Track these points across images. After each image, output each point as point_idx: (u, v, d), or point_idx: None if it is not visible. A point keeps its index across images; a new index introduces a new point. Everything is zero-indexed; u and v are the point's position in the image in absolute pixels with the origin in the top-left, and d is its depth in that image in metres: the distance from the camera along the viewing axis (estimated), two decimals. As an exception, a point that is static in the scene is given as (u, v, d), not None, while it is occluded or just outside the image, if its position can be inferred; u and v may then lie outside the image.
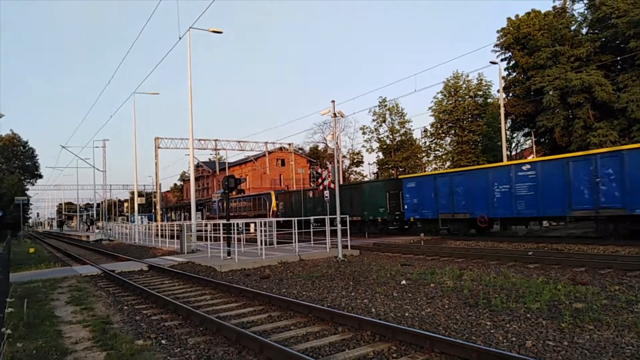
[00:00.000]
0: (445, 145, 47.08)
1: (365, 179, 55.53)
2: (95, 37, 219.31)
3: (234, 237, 16.58)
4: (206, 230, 23.26)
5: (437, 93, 45.86)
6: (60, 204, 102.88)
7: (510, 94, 37.21)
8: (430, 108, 46.28)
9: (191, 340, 6.26)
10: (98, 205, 65.29)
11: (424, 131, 48.36)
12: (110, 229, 42.99)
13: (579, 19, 34.34)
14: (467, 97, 44.28)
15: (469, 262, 13.51)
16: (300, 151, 64.75)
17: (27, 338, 6.53)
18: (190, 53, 21.19)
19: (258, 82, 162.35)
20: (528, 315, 6.72)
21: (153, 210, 64.16)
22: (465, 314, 7.05)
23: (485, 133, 42.78)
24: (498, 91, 33.36)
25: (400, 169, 50.41)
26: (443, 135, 46.70)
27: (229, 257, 15.48)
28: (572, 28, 34.06)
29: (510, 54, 37.08)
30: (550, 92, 30.93)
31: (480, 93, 44.29)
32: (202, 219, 41.40)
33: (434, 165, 47.92)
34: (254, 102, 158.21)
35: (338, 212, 16.40)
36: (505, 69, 37.27)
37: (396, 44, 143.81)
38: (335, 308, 7.68)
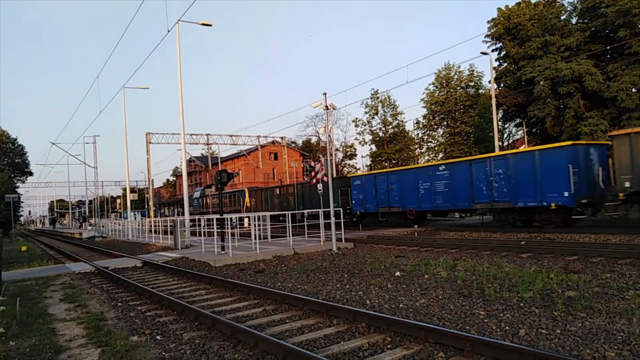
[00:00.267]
0: (438, 136, 47.22)
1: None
2: (83, 30, 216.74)
3: (227, 232, 16.53)
4: (200, 226, 23.20)
5: (429, 84, 45.93)
6: (52, 202, 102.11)
7: (502, 85, 37.31)
8: (422, 99, 46.36)
9: (186, 335, 6.25)
10: (90, 202, 64.89)
11: (416, 123, 48.48)
12: (103, 226, 42.76)
13: (568, 9, 34.44)
14: (458, 88, 44.36)
15: (462, 252, 13.60)
16: (293, 145, 64.66)
17: (20, 336, 6.49)
18: (179, 46, 21.04)
19: (249, 76, 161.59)
20: (521, 304, 6.78)
21: (146, 206, 63.85)
22: (459, 304, 7.10)
23: (477, 124, 42.93)
24: (489, 82, 33.50)
25: (394, 161, 50.52)
26: (435, 126, 46.79)
27: (223, 252, 15.47)
28: (562, 18, 34.15)
29: (501, 44, 37.12)
30: (541, 82, 31.05)
31: (472, 84, 44.38)
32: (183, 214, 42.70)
33: (426, 157, 48.08)
34: (246, 96, 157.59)
35: (332, 205, 16.41)
36: (496, 60, 37.37)
37: (387, 35, 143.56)
38: (330, 301, 7.70)
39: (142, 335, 6.31)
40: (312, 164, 18.97)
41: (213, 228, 18.02)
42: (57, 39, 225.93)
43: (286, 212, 18.26)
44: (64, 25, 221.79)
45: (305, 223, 18.56)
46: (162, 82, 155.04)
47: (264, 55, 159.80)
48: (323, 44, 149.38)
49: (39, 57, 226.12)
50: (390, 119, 52.03)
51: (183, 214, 23.47)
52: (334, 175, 25.16)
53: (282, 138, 51.15)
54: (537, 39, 32.40)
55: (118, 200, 76.98)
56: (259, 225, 17.90)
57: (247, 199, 38.32)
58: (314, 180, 17.99)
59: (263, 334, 5.66)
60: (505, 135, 46.60)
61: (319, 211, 17.48)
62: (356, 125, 54.18)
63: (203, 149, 66.96)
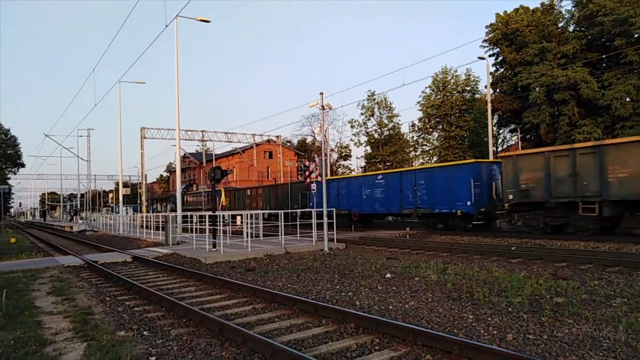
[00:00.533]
0: (433, 140, 47.40)
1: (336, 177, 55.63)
2: (80, 23, 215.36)
3: (220, 229, 16.48)
4: (192, 222, 23.11)
5: (426, 88, 46.18)
6: (44, 194, 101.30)
7: (498, 90, 37.54)
8: (418, 102, 46.55)
9: (174, 331, 6.21)
10: (82, 195, 64.44)
11: (412, 126, 48.62)
12: (94, 220, 42.49)
13: (566, 16, 34.74)
14: (455, 92, 44.57)
15: (453, 256, 13.64)
16: (288, 144, 64.57)
17: (5, 328, 6.42)
18: (177, 42, 20.94)
19: (246, 73, 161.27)
20: (510, 309, 6.80)
21: (138, 201, 63.52)
22: (448, 307, 7.12)
23: (472, 129, 43.14)
24: (485, 87, 33.66)
25: (388, 164, 50.62)
26: (431, 130, 46.98)
27: (214, 249, 15.41)
28: (560, 25, 34.43)
29: (498, 49, 37.36)
30: (537, 89, 31.27)
31: (468, 88, 44.62)
32: (167, 211, 46.03)
33: (421, 160, 48.23)
34: (242, 94, 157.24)
35: (325, 205, 16.40)
36: (493, 65, 37.61)
37: (385, 36, 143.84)
38: (319, 301, 7.69)
39: (129, 331, 6.27)
40: (307, 163, 18.94)
41: (205, 225, 17.95)
42: (54, 31, 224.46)
43: (279, 211, 18.27)
44: (61, 17, 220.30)
45: (298, 222, 18.54)
46: (158, 77, 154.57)
47: (261, 53, 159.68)
48: (321, 43, 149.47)
49: (35, 49, 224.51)
50: (386, 121, 52.19)
51: (175, 210, 23.37)
52: (328, 176, 25.50)
53: (277, 137, 51.07)
54: (534, 46, 32.64)
55: (110, 195, 76.45)
56: (251, 223, 17.85)
57: (222, 198, 40.83)
58: (308, 180, 17.97)
59: (251, 332, 5.64)
60: (500, 141, 46.86)
61: (279, 212, 18.63)
62: (352, 126, 54.35)
63: (198, 145, 66.55)
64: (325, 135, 30.78)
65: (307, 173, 18.41)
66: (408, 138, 51.18)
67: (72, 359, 5.16)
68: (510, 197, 18.26)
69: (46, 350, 5.49)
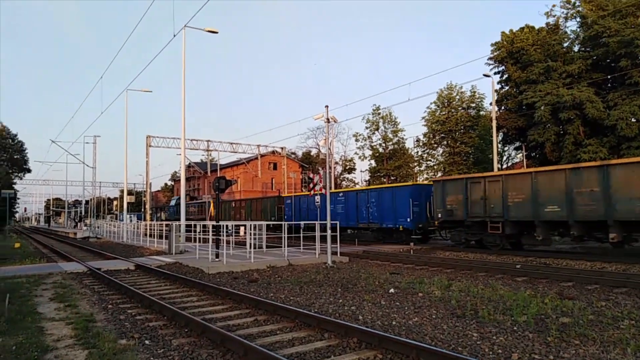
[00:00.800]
0: (437, 155, 47.39)
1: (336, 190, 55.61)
2: (88, 31, 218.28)
3: (223, 240, 16.46)
4: (195, 232, 23.10)
5: (431, 103, 46.29)
6: (49, 200, 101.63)
7: (503, 108, 37.58)
8: (423, 118, 46.64)
9: (175, 341, 6.18)
10: (87, 202, 64.58)
11: (417, 141, 48.65)
12: (98, 227, 42.54)
13: (571, 36, 34.88)
14: (460, 108, 44.66)
15: (457, 272, 13.54)
16: (292, 155, 64.74)
17: (7, 334, 6.41)
18: (184, 52, 21.17)
19: (252, 85, 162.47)
20: (515, 328, 6.73)
21: (142, 210, 63.61)
22: (452, 324, 7.05)
23: (477, 145, 43.14)
24: (490, 104, 33.72)
25: (392, 178, 50.58)
26: (435, 145, 46.99)
27: (217, 260, 15.37)
28: (565, 45, 34.56)
29: (503, 67, 37.49)
30: (542, 107, 31.29)
31: (473, 105, 44.70)
32: (163, 220, 49.33)
33: (425, 175, 48.17)
34: (248, 105, 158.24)
35: (328, 218, 16.37)
36: (498, 82, 37.71)
37: (391, 52, 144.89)
38: (322, 314, 7.63)
39: (131, 339, 6.24)
40: (311, 175, 18.97)
41: (208, 235, 17.93)
42: (63, 39, 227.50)
43: (282, 223, 18.27)
44: (70, 25, 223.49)
45: (302, 235, 18.50)
46: (165, 85, 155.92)
47: (267, 64, 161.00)
48: (327, 56, 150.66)
49: (44, 56, 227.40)
50: (390, 135, 52.28)
51: (168, 219, 23.34)
52: (332, 189, 25.92)
53: (282, 148, 51.22)
54: (540, 64, 32.75)
55: (115, 202, 76.72)
56: (254, 234, 17.83)
57: (211, 208, 44.36)
58: (312, 192, 17.97)
59: (253, 344, 5.59)
60: (505, 158, 46.79)
61: (261, 223, 20.32)
62: (356, 140, 54.44)
63: (203, 155, 66.86)
64: (329, 148, 31.06)
65: (311, 185, 18.41)
66: (412, 153, 51.22)
67: (73, 366, 5.13)
68: (439, 215, 21.15)
69: (47, 357, 5.47)
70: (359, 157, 55.08)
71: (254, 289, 10.58)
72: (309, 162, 63.91)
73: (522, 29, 36.84)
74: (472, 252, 19.48)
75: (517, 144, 40.14)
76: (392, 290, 10.00)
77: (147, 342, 6.17)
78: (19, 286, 10.68)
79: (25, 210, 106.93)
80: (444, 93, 44.85)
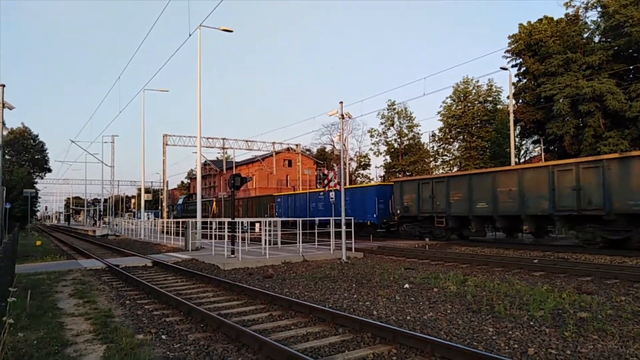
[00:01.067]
0: (453, 150, 46.90)
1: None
2: (106, 32, 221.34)
3: (238, 236, 16.59)
4: (211, 228, 23.33)
5: (447, 98, 45.77)
6: (68, 198, 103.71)
7: (520, 101, 36.99)
8: (439, 112, 46.18)
9: (191, 336, 6.26)
10: (105, 200, 65.69)
11: (432, 135, 48.23)
12: (116, 225, 43.26)
13: (591, 27, 34.09)
14: (476, 102, 44.09)
15: (473, 267, 13.42)
16: (307, 152, 64.79)
17: (29, 328, 6.57)
18: (200, 51, 21.30)
19: (267, 82, 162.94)
20: (531, 323, 6.64)
21: (160, 207, 64.49)
22: (467, 319, 6.99)
23: (493, 139, 42.55)
24: (508, 97, 33.25)
25: (408, 173, 50.28)
26: (451, 140, 46.52)
27: (232, 256, 15.50)
28: (585, 36, 33.81)
29: (521, 60, 36.87)
30: (561, 100, 30.70)
31: (490, 99, 44.07)
32: (171, 217, 51.09)
33: (441, 170, 47.74)
34: (263, 102, 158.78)
35: (343, 214, 16.36)
36: (515, 75, 37.10)
37: (406, 46, 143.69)
38: (336, 309, 7.64)
39: (148, 334, 6.34)
40: (326, 172, 18.99)
41: (224, 231, 18.09)
42: (82, 40, 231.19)
43: (297, 219, 18.33)
44: (89, 27, 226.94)
45: (316, 231, 18.53)
46: (181, 85, 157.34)
47: (282, 61, 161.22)
48: (341, 52, 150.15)
49: (64, 57, 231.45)
50: (406, 131, 51.92)
51: (178, 217, 23.63)
52: (347, 185, 26.30)
53: (296, 145, 51.28)
54: (559, 56, 32.10)
55: (133, 200, 77.77)
56: (269, 230, 17.93)
57: (214, 206, 48.72)
58: (327, 188, 17.98)
59: (268, 339, 5.63)
60: (522, 152, 46.07)
61: (296, 220, 20.82)
62: (371, 136, 54.20)
63: (218, 153, 67.42)
64: (344, 144, 31.47)
65: (325, 181, 18.42)
66: (428, 148, 50.80)
67: (91, 360, 5.24)
68: (398, 211, 24.15)
69: (67, 351, 5.59)
70: (374, 153, 54.88)
71: (269, 284, 10.65)
72: (324, 159, 63.89)
73: (540, 20, 36.16)
74: (488, 247, 19.30)
75: (535, 137, 39.50)
76: (406, 286, 9.95)
77: (163, 337, 6.26)
78: (40, 283, 10.93)
79: (46, 209, 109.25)
80: (460, 87, 44.33)
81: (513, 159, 29.15)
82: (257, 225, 29.35)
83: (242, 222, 26.00)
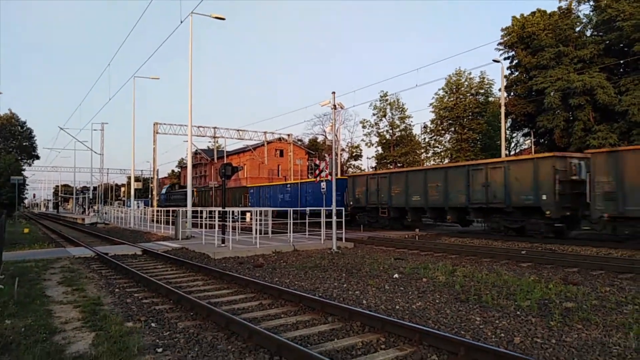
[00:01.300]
0: (445, 142, 47.08)
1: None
2: (96, 18, 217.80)
3: (229, 225, 16.58)
4: (201, 217, 23.26)
5: (439, 89, 45.85)
6: (57, 186, 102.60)
7: (512, 93, 37.15)
8: (431, 104, 46.28)
9: (181, 324, 6.26)
10: (95, 188, 65.11)
11: (424, 127, 48.34)
12: (106, 213, 42.96)
13: (584, 21, 34.24)
14: (468, 94, 44.21)
15: (462, 258, 13.55)
16: (299, 142, 64.64)
17: (16, 316, 6.52)
18: (192, 39, 21.06)
19: (259, 71, 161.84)
20: (518, 313, 6.74)
21: (150, 196, 64.19)
22: (455, 309, 7.07)
23: (484, 132, 42.78)
24: (499, 90, 33.37)
25: (399, 164, 50.43)
26: (443, 132, 46.67)
27: (223, 245, 15.49)
28: (577, 29, 33.95)
29: (513, 52, 36.96)
30: (552, 93, 30.89)
31: (482, 91, 44.22)
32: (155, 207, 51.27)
33: (432, 162, 47.94)
34: (254, 91, 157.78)
35: (334, 204, 16.38)
36: (507, 68, 37.22)
37: (399, 37, 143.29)
38: (326, 298, 7.69)
39: (137, 322, 6.33)
40: (317, 162, 18.98)
41: (214, 220, 18.05)
42: (70, 26, 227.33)
43: (289, 209, 18.34)
44: (77, 12, 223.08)
45: (307, 220, 18.55)
46: (172, 72, 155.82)
47: (274, 51, 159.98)
48: (334, 43, 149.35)
49: (52, 43, 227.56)
50: (398, 122, 51.98)
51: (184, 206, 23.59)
52: (338, 176, 26.48)
53: (288, 135, 51.15)
54: (551, 49, 32.24)
55: (122, 188, 77.25)
56: (260, 220, 17.91)
57: (195, 195, 49.85)
58: (318, 179, 17.98)
59: (257, 327, 5.66)
60: (513, 145, 46.39)
61: (267, 209, 21.94)
62: (363, 127, 54.19)
63: (209, 142, 67.25)
64: (336, 135, 31.88)
65: (317, 172, 18.41)
66: (420, 139, 50.93)
67: (80, 348, 5.23)
68: (351, 203, 26.79)
69: (55, 339, 5.57)
70: (366, 144, 54.94)
71: (259, 273, 10.67)
72: (316, 149, 63.81)
73: (533, 13, 36.22)
74: (477, 238, 19.49)
75: (526, 130, 39.77)
76: (396, 276, 10.03)
77: (153, 324, 6.26)
78: (28, 270, 10.84)
79: (34, 197, 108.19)
80: (452, 79, 44.40)
81: (504, 152, 29.37)
82: (248, 214, 29.33)
83: (233, 212, 25.97)
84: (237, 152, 66.75)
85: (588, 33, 33.86)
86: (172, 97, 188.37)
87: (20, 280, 8.62)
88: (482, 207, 19.50)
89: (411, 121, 52.19)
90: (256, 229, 15.83)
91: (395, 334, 5.63)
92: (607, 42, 31.15)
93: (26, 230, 28.03)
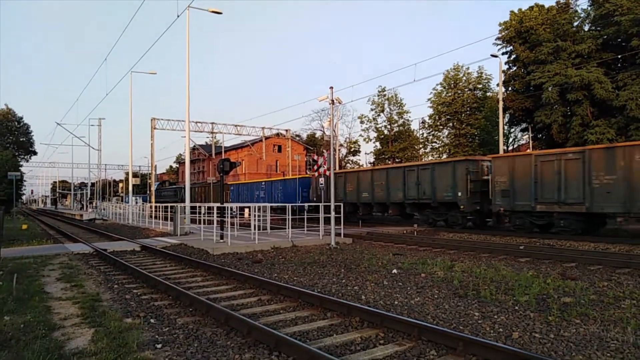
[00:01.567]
0: (443, 137, 47.06)
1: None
2: (92, 12, 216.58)
3: (227, 221, 16.56)
4: (200, 213, 23.24)
5: (437, 84, 45.72)
6: (55, 182, 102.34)
7: (510, 89, 37.11)
8: (429, 99, 46.16)
9: (180, 320, 6.27)
10: (92, 184, 65.00)
11: (422, 122, 48.27)
12: (104, 209, 42.89)
13: (581, 15, 34.15)
14: (466, 89, 44.14)
15: (460, 254, 13.58)
16: (297, 138, 64.56)
17: (15, 312, 6.52)
18: (188, 33, 20.96)
19: (257, 66, 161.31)
20: (516, 308, 6.76)
21: (148, 192, 64.15)
22: (454, 304, 7.10)
23: (482, 127, 42.74)
24: (497, 85, 33.30)
25: (397, 160, 50.41)
26: (441, 127, 46.61)
27: (221, 241, 15.49)
28: (575, 24, 33.88)
29: (511, 47, 36.88)
30: (550, 88, 30.86)
31: (480, 86, 44.14)
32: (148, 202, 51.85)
33: (430, 157, 47.93)
34: (252, 87, 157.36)
35: (332, 199, 16.38)
36: (505, 63, 37.14)
37: (397, 32, 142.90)
38: (325, 294, 7.70)
39: (136, 318, 6.33)
40: (315, 157, 18.98)
41: (213, 216, 18.05)
42: (67, 20, 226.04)
43: (286, 205, 18.35)
44: (74, 6, 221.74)
45: (306, 216, 18.55)
46: (169, 67, 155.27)
47: (272, 46, 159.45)
48: (332, 38, 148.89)
49: (48, 38, 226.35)
50: (396, 117, 51.87)
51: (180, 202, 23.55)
52: (336, 171, 26.69)
53: (286, 131, 51.04)
54: (549, 44, 32.17)
55: (120, 184, 77.12)
56: (259, 216, 17.92)
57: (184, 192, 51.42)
58: (316, 174, 17.97)
59: (257, 323, 5.67)
60: (511, 140, 46.38)
61: (265, 205, 22.25)
62: (361, 122, 54.03)
63: (207, 137, 66.96)
64: (334, 130, 31.79)
65: (315, 167, 18.40)
66: (418, 135, 50.89)
67: (79, 344, 5.23)
68: (314, 198, 29.34)
69: (55, 335, 5.57)
70: (364, 139, 54.94)
71: (258, 269, 10.68)
72: (314, 145, 63.73)
73: (531, 7, 36.12)
74: (475, 233, 19.54)
75: (524, 125, 39.75)
76: (394, 271, 10.05)
77: (152, 320, 6.27)
78: (27, 266, 10.83)
79: (32, 193, 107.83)
80: (450, 74, 44.28)
81: (502, 147, 29.37)
82: (247, 210, 29.33)
83: (231, 207, 25.98)
84: (235, 148, 66.62)
85: (586, 28, 33.77)
86: (169, 92, 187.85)
87: (19, 276, 8.62)
88: (415, 203, 22.98)
89: (409, 116, 52.08)
90: (254, 225, 15.83)
91: (394, 329, 5.65)
92: (605, 36, 31.08)
93: (24, 227, 27.99)
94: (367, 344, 5.28)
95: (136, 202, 41.80)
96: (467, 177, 20.01)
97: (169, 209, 24.81)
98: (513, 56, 36.95)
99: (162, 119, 41.50)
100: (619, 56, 30.37)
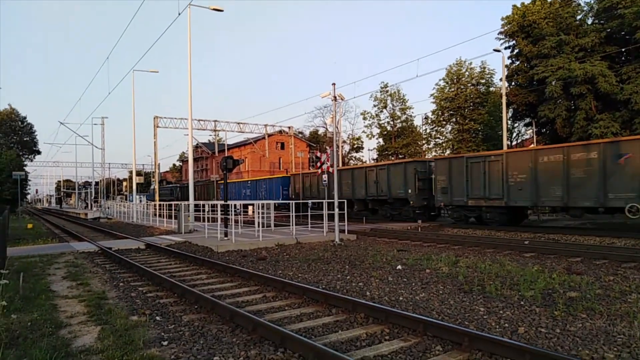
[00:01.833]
0: (446, 133, 46.92)
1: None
2: (94, 11, 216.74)
3: (231, 219, 16.59)
4: (204, 211, 23.28)
5: (439, 80, 45.58)
6: (59, 181, 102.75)
7: (513, 83, 36.92)
8: (431, 95, 46.03)
9: (185, 317, 6.29)
10: (96, 183, 65.16)
11: (425, 118, 48.14)
12: (108, 207, 43.03)
13: (585, 8, 33.90)
14: (469, 85, 43.96)
15: (465, 249, 13.56)
16: (300, 135, 64.51)
17: (22, 310, 6.56)
18: (190, 30, 20.93)
19: (259, 64, 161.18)
20: (522, 303, 6.75)
21: (150, 190, 64.19)
22: (459, 299, 7.09)
23: (486, 122, 42.58)
24: (500, 80, 33.17)
25: (400, 156, 50.33)
26: (444, 122, 46.48)
27: (226, 238, 15.52)
28: (578, 17, 33.64)
29: (514, 42, 36.67)
30: (553, 82, 30.68)
31: (483, 81, 43.94)
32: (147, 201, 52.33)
33: (433, 153, 47.83)
34: (254, 85, 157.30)
35: (336, 196, 16.39)
36: (508, 58, 36.96)
37: (399, 27, 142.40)
38: (330, 290, 7.71)
39: (142, 316, 6.36)
40: (319, 154, 18.99)
41: (217, 214, 18.08)
42: (69, 19, 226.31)
43: (290, 202, 18.38)
44: (76, 5, 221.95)
45: (309, 213, 18.55)
46: (172, 65, 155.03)
47: (272, 46, 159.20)
48: (334, 34, 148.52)
49: (49, 37, 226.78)
50: (398, 113, 51.77)
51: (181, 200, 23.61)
52: (339, 167, 26.84)
53: (289, 128, 50.99)
54: (552, 38, 31.96)
55: (124, 183, 77.37)
56: (262, 213, 17.94)
57: (177, 191, 56.96)
58: (319, 171, 17.96)
59: (262, 320, 5.67)
60: (514, 135, 46.20)
61: (269, 202, 23.01)
62: (364, 118, 54.00)
63: (210, 135, 67.13)
64: (337, 127, 31.86)
65: (318, 164, 18.39)
66: (421, 130, 50.76)
67: (86, 341, 5.25)
68: (292, 196, 32.47)
69: (61, 333, 5.60)
70: (367, 136, 54.76)
71: (263, 266, 10.70)
72: (317, 141, 63.69)
73: (534, 1, 35.86)
74: (480, 229, 19.51)
75: (528, 120, 39.57)
76: (399, 267, 10.05)
77: (158, 318, 6.29)
78: (33, 265, 10.89)
79: (36, 192, 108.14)
80: (453, 69, 44.11)
81: (505, 142, 29.26)
82: (250, 207, 29.39)
83: (235, 205, 26.06)
84: (239, 145, 66.66)
85: (589, 21, 33.53)
86: (172, 90, 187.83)
87: (25, 275, 8.66)
88: (375, 199, 25.81)
89: (412, 112, 51.99)
90: (258, 222, 15.85)
91: (399, 325, 5.65)
92: (609, 30, 30.86)
93: (30, 226, 28.14)
94: (372, 340, 5.28)
95: (140, 201, 41.89)
96: (415, 177, 22.84)
97: (172, 207, 24.88)
98: (516, 50, 36.75)
99: (164, 117, 41.50)
100: (623, 49, 30.17)
